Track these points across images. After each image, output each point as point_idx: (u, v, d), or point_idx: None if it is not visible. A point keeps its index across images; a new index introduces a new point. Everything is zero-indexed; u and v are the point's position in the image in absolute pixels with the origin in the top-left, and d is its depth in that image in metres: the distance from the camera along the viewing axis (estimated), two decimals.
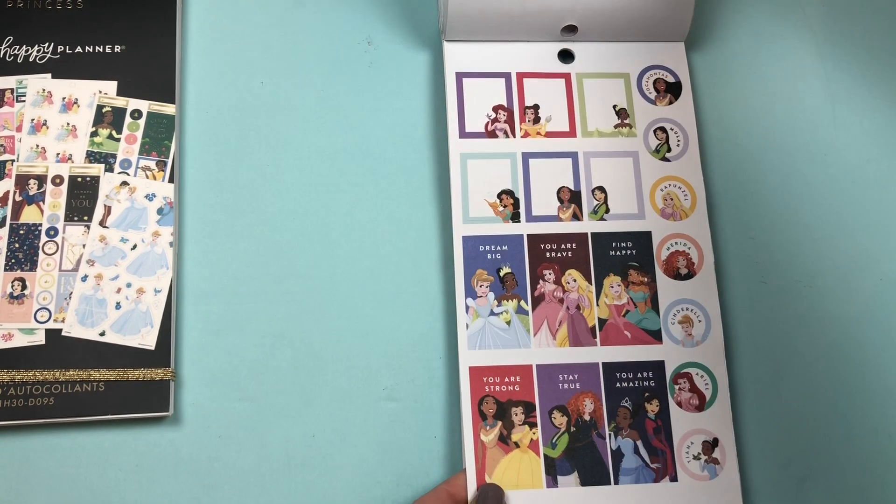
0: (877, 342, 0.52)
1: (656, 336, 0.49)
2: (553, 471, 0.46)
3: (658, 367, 0.48)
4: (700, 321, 0.49)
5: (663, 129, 0.53)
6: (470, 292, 0.49)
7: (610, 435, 0.47)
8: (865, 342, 0.52)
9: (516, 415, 0.47)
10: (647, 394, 0.48)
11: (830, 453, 0.49)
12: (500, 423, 0.47)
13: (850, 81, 0.57)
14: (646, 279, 0.50)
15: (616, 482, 0.46)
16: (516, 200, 0.51)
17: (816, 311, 0.52)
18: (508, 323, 0.48)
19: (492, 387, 0.47)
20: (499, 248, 0.50)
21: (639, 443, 0.47)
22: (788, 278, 0.52)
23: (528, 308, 0.49)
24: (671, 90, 0.54)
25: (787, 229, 0.53)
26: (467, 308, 0.48)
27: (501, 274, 0.49)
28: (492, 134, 0.52)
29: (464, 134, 0.51)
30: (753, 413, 0.50)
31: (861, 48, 0.58)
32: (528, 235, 0.50)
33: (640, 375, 0.48)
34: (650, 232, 0.50)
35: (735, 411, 0.49)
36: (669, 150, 0.52)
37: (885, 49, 0.58)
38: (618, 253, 0.50)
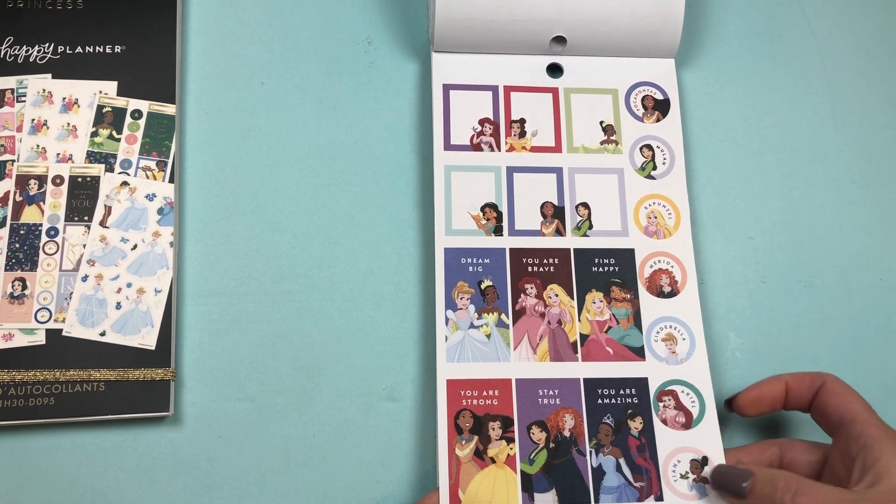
0: (877, 342, 0.52)
1: (639, 353, 0.48)
2: (530, 487, 0.45)
3: (641, 383, 0.47)
4: (684, 339, 0.48)
5: (649, 147, 0.52)
6: (450, 304, 0.48)
7: (591, 452, 0.46)
8: (865, 342, 0.52)
9: (493, 429, 0.46)
10: (630, 410, 0.47)
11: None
12: (476, 438, 0.46)
13: (849, 81, 0.57)
14: (628, 296, 0.49)
15: (597, 500, 0.45)
16: (499, 214, 0.50)
17: (816, 311, 0.52)
18: (488, 336, 0.48)
19: (469, 400, 0.46)
20: (480, 260, 0.49)
21: (621, 460, 0.46)
22: (788, 278, 0.52)
23: (509, 321, 0.48)
24: (659, 107, 0.53)
25: (787, 229, 0.53)
26: (447, 320, 0.48)
27: (482, 287, 0.49)
28: (477, 147, 0.51)
29: (449, 146, 0.51)
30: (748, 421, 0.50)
31: (861, 48, 0.58)
32: (511, 249, 0.49)
33: (622, 392, 0.47)
34: (633, 249, 0.50)
35: (729, 423, 0.49)
36: (655, 167, 0.52)
37: (885, 49, 0.58)
38: (600, 269, 0.49)
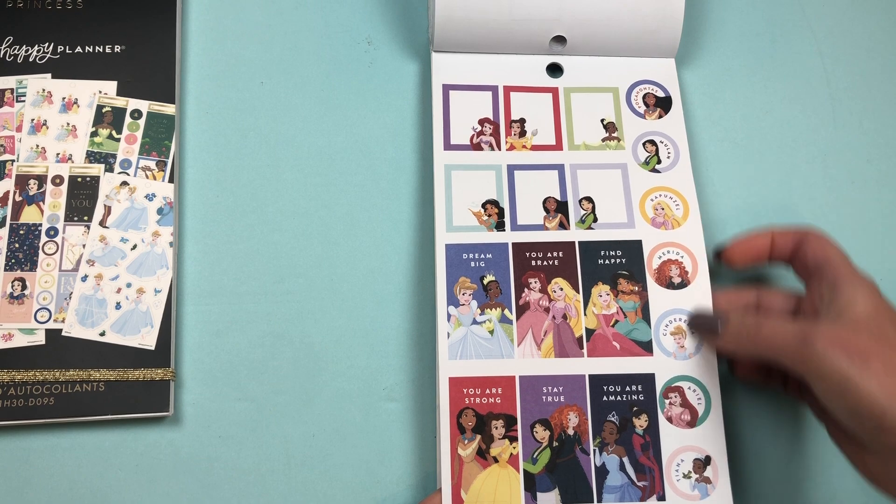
0: None
1: (647, 347, 0.47)
2: (532, 487, 0.45)
3: (648, 380, 0.47)
4: (694, 332, 0.48)
5: (653, 142, 0.52)
6: (452, 300, 0.47)
7: (595, 450, 0.45)
8: None
9: (496, 428, 0.45)
10: (635, 408, 0.46)
11: (831, 452, 0.49)
12: (478, 437, 0.45)
13: (850, 81, 0.57)
14: (636, 288, 0.48)
15: (600, 500, 0.45)
16: (501, 210, 0.50)
17: None
18: (491, 332, 0.47)
19: (472, 399, 0.46)
20: (483, 255, 0.48)
21: (625, 459, 0.45)
22: (788, 278, 0.52)
23: (513, 317, 0.47)
24: (661, 104, 0.53)
25: None
26: (449, 316, 0.47)
27: (485, 282, 0.48)
28: (477, 147, 0.51)
29: (448, 146, 0.51)
30: (751, 420, 0.50)
31: (861, 48, 0.58)
32: (514, 244, 0.49)
33: (628, 389, 0.46)
34: (640, 241, 0.49)
35: (732, 423, 0.49)
36: (659, 161, 0.51)
37: (885, 49, 0.58)
38: (607, 262, 0.49)
